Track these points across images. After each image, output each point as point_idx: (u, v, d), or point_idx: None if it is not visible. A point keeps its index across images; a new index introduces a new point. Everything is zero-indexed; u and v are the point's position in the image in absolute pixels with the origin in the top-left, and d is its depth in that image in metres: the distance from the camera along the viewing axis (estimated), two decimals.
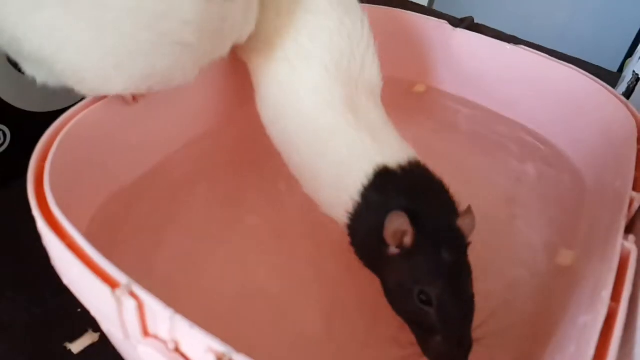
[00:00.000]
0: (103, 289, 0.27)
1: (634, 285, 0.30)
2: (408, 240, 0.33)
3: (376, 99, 0.44)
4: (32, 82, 0.52)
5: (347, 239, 0.39)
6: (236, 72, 0.50)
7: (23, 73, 0.50)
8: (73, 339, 0.39)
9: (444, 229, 0.34)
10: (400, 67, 0.62)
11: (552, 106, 0.55)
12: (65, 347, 0.38)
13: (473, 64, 0.59)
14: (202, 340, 0.24)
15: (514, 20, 1.13)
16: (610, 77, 0.88)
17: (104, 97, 0.41)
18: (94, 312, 0.31)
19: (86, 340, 0.39)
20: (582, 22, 1.34)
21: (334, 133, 0.40)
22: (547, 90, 0.55)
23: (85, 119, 0.39)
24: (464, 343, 0.31)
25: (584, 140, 0.52)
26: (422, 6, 1.15)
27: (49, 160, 0.35)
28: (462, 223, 0.34)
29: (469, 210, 0.35)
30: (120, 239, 0.43)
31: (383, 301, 0.36)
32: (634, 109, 0.46)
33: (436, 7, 1.64)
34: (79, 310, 0.39)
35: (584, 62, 1.00)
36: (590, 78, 0.51)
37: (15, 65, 0.51)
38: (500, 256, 0.45)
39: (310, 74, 0.42)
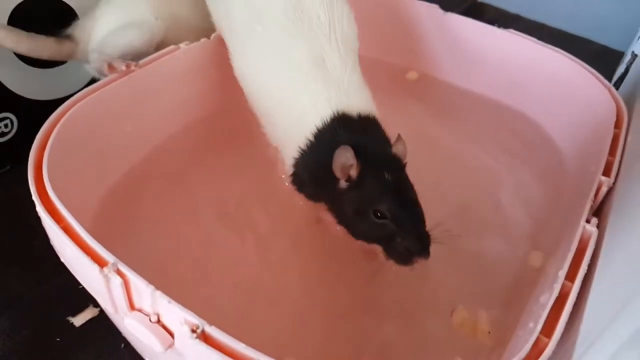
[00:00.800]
0: (92, 267, 0.29)
1: (591, 265, 0.31)
2: (354, 172, 0.38)
3: (350, 53, 0.44)
4: (36, 72, 0.55)
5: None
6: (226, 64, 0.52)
7: (29, 64, 0.54)
8: (75, 313, 0.42)
9: (383, 157, 0.39)
10: (391, 51, 0.63)
11: (540, 89, 0.55)
12: (68, 321, 0.42)
13: (463, 49, 0.59)
14: (179, 314, 0.27)
15: None
16: (614, 57, 0.87)
17: (100, 86, 0.43)
18: (88, 288, 0.34)
19: (87, 314, 0.42)
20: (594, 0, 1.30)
21: (298, 89, 0.42)
22: (535, 74, 0.55)
23: (81, 109, 0.41)
24: (424, 238, 0.37)
25: (569, 125, 0.52)
26: None
27: (48, 149, 0.38)
28: (396, 149, 0.40)
29: (399, 138, 0.40)
30: (122, 223, 0.45)
31: None
32: (616, 94, 0.46)
33: None
34: (80, 287, 0.42)
35: (590, 41, 0.99)
36: (576, 62, 0.52)
37: (21, 56, 0.53)
38: (482, 237, 0.46)
39: (268, 35, 0.43)
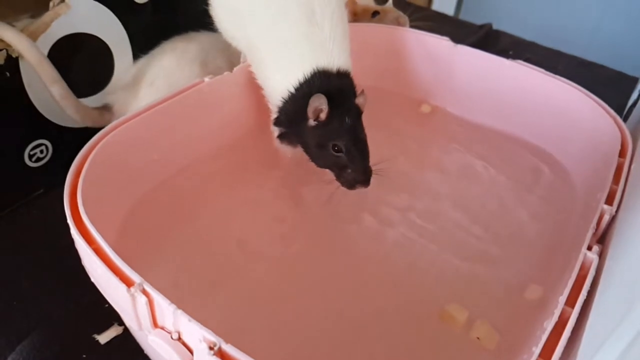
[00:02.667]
0: (120, 286, 0.32)
1: (592, 291, 0.32)
2: (323, 115, 0.47)
3: (338, 10, 0.50)
4: None
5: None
6: (247, 96, 0.55)
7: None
8: (100, 331, 0.44)
9: (347, 106, 0.48)
10: (404, 84, 0.65)
11: (549, 119, 0.57)
12: (94, 338, 0.44)
13: (473, 80, 0.61)
14: (198, 332, 0.29)
15: (539, 26, 1.13)
16: (629, 82, 0.88)
17: (131, 118, 0.47)
18: (115, 306, 0.37)
19: (112, 332, 0.44)
20: (612, 26, 1.31)
21: (288, 43, 0.49)
22: (544, 104, 0.56)
23: (113, 139, 0.45)
24: (367, 172, 0.48)
25: (579, 154, 0.53)
26: (447, 15, 1.17)
27: (82, 176, 0.41)
28: (358, 101, 0.49)
29: (362, 92, 0.50)
30: (144, 241, 0.48)
31: None
32: (622, 123, 0.48)
33: (462, 15, 1.65)
34: (107, 306, 0.45)
35: (605, 67, 1.00)
36: (582, 92, 0.53)
37: None
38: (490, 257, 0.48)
39: None
